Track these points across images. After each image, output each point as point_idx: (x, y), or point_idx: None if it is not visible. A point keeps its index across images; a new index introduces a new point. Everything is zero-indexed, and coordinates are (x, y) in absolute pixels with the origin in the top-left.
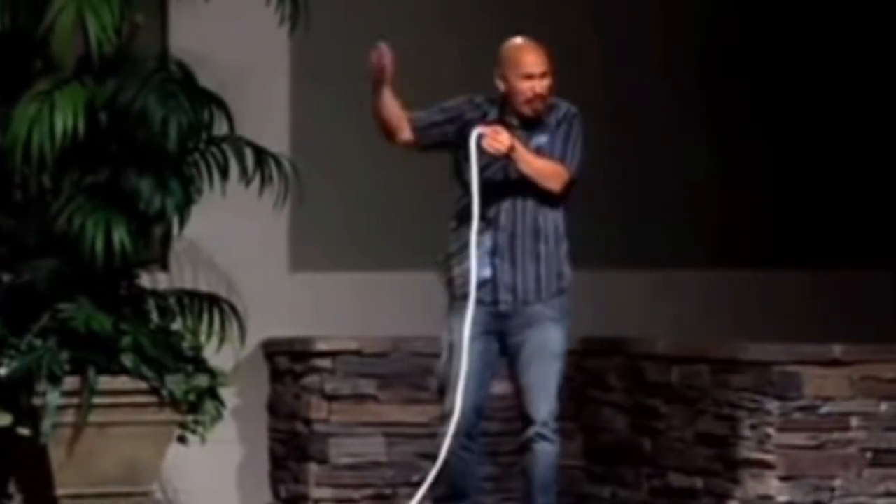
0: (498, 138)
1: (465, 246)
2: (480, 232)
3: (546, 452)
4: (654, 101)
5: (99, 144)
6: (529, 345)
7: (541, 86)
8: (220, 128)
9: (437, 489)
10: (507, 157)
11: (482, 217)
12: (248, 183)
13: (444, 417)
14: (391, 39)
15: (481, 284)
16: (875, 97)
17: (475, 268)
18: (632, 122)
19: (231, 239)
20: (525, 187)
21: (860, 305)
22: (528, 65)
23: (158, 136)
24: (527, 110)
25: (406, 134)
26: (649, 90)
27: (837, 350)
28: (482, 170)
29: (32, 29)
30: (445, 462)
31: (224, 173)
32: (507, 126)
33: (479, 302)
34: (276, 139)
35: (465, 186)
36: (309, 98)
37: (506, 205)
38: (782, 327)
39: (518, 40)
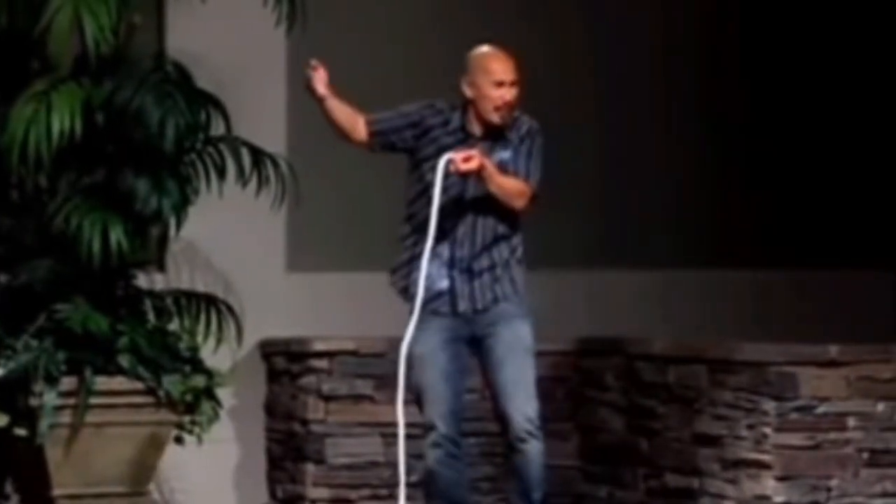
0: (467, 165)
1: (421, 255)
2: (438, 243)
3: (537, 450)
4: (651, 101)
5: (96, 145)
6: (501, 343)
7: (510, 94)
8: (217, 128)
9: (433, 502)
10: (477, 176)
11: (439, 227)
12: (245, 183)
13: (427, 429)
14: (386, 40)
15: (438, 295)
16: (873, 97)
17: (422, 281)
18: (629, 122)
19: (228, 239)
20: (484, 201)
21: (858, 306)
22: (499, 72)
23: (155, 136)
24: (495, 118)
25: (361, 135)
26: (647, 90)
27: (834, 350)
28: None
29: (29, 29)
30: (435, 474)
31: (221, 174)
32: (470, 135)
33: (435, 313)
34: (273, 139)
35: (423, 191)
36: (306, 99)
37: (465, 217)
38: (780, 328)
39: (486, 48)
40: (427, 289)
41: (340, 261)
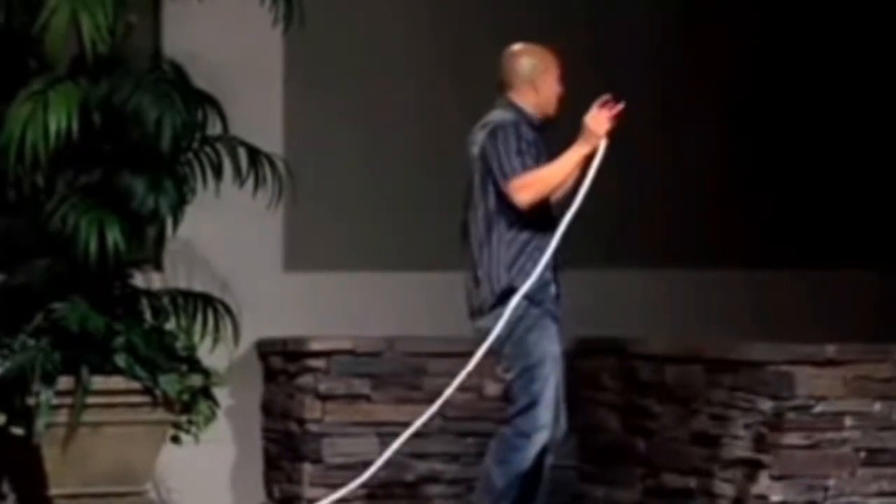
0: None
1: (537, 262)
2: (544, 248)
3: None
4: (647, 101)
5: (92, 144)
6: (561, 358)
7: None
8: (214, 128)
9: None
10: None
11: (543, 228)
12: (241, 183)
13: (530, 433)
14: (384, 39)
15: (557, 299)
16: (871, 98)
17: (538, 272)
18: (628, 121)
19: (225, 239)
20: (556, 202)
21: (857, 305)
22: (557, 66)
23: (152, 135)
24: (552, 113)
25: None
26: (643, 91)
27: (831, 350)
28: None
29: (26, 28)
30: (524, 478)
31: (218, 173)
32: (534, 141)
33: (554, 317)
34: (270, 139)
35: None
36: (303, 98)
37: (553, 220)
38: (779, 327)
39: (533, 47)
40: (553, 298)
41: (337, 260)
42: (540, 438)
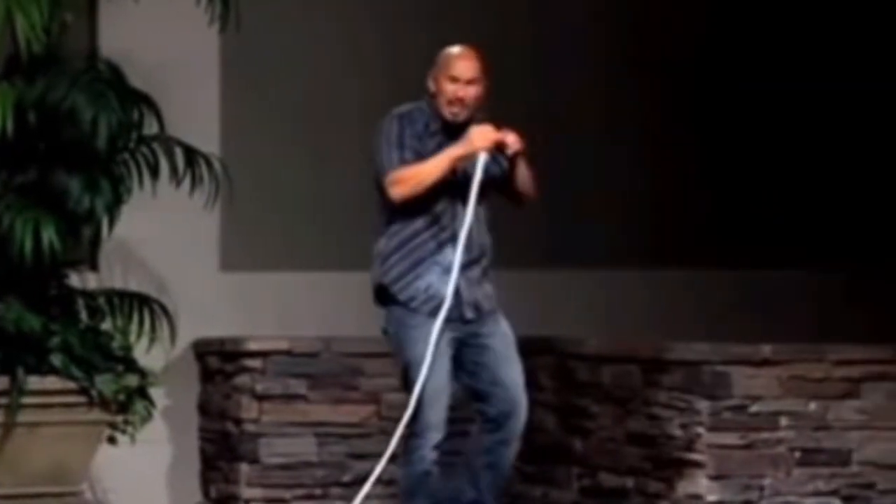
0: (516, 142)
1: (422, 261)
2: (440, 247)
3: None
4: (587, 99)
5: (28, 144)
6: (497, 343)
7: (464, 91)
8: (150, 127)
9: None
10: (513, 157)
11: (443, 231)
12: (178, 183)
13: (420, 433)
14: (320, 39)
15: (442, 301)
16: (801, 100)
17: (452, 282)
18: (565, 120)
19: (161, 239)
20: (480, 201)
21: (791, 305)
22: (456, 68)
23: (88, 135)
24: (445, 112)
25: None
26: (583, 89)
27: (767, 350)
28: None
29: None
30: (431, 475)
31: (154, 173)
32: (432, 133)
33: (447, 318)
34: (207, 139)
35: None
36: (239, 98)
37: (462, 220)
38: (715, 327)
39: (456, 47)
40: (431, 297)
41: (274, 260)
42: (431, 437)
